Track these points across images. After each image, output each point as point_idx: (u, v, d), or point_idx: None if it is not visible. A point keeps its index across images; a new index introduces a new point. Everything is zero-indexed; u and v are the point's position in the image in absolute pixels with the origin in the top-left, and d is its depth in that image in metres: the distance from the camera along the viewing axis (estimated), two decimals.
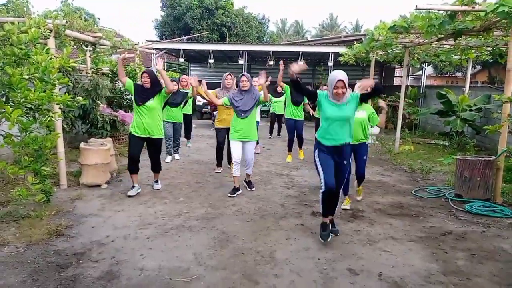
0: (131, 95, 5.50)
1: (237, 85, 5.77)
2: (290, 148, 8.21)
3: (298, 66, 3.89)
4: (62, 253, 3.64)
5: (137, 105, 5.33)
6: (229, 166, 7.02)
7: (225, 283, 3.19)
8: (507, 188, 5.86)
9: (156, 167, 5.77)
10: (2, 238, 3.90)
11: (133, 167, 5.48)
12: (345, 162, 4.00)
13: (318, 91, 4.05)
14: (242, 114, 5.50)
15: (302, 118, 8.05)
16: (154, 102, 5.37)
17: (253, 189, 5.89)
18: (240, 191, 5.69)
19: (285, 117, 8.17)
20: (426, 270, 3.49)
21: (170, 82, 5.45)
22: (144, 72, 5.43)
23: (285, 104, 10.55)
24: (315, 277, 3.32)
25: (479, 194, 5.46)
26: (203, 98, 7.37)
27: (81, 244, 3.85)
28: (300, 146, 8.42)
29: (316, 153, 4.02)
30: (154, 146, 5.56)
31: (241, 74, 5.73)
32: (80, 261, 3.50)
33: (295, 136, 8.08)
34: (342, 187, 4.20)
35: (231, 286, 3.15)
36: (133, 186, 5.55)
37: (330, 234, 4.05)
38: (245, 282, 3.21)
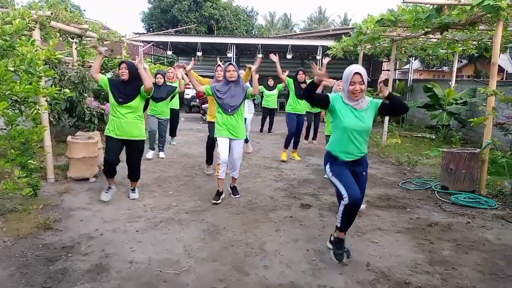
0: (108, 92, 4.80)
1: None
2: (287, 145, 7.62)
3: (324, 70, 3.38)
4: (51, 247, 3.62)
5: (117, 103, 4.69)
6: (206, 167, 6.58)
7: (215, 274, 3.22)
8: (491, 180, 5.98)
9: (134, 174, 5.02)
10: None
11: (110, 171, 4.93)
12: (364, 173, 3.47)
13: (331, 95, 3.41)
14: (230, 110, 4.90)
15: (304, 113, 7.56)
16: (136, 101, 4.77)
17: (237, 196, 5.25)
18: (224, 195, 5.14)
19: (287, 111, 7.51)
20: (412, 260, 3.56)
21: (149, 80, 4.70)
22: (122, 62, 4.83)
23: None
24: (304, 268, 3.36)
25: (465, 186, 5.57)
26: (191, 87, 6.74)
27: (69, 238, 3.83)
28: (296, 146, 7.82)
29: (328, 167, 3.43)
30: (134, 149, 4.89)
31: (228, 63, 5.10)
32: (69, 255, 3.48)
33: (295, 133, 7.47)
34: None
35: (221, 277, 3.17)
36: (109, 188, 5.03)
37: (345, 253, 3.43)
38: (235, 274, 3.23)
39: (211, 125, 6.01)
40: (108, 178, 5.01)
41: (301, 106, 7.33)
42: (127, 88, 4.72)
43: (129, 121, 4.75)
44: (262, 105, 11.41)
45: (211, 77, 5.97)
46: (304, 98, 3.38)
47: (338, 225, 3.40)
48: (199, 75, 6.31)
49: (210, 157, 6.50)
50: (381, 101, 3.32)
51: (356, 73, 3.15)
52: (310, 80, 4.30)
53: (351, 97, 3.23)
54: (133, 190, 5.14)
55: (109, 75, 9.40)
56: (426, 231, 4.25)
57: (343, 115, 3.25)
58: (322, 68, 3.19)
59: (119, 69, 4.78)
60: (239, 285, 3.09)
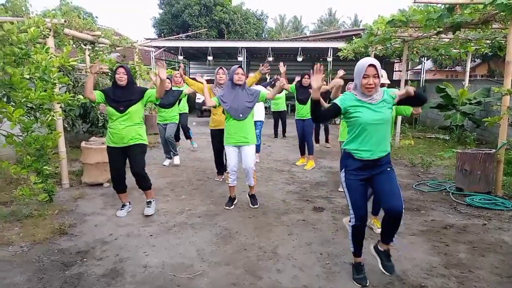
0: (106, 105, 4.49)
1: (229, 78, 4.89)
2: (302, 151, 7.52)
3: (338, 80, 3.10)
4: (66, 252, 3.66)
5: (119, 112, 4.38)
6: (218, 178, 6.35)
7: (229, 278, 3.22)
8: (507, 180, 5.88)
9: (142, 182, 4.65)
10: (6, 237, 3.92)
11: (119, 187, 4.65)
12: (388, 169, 3.04)
13: (339, 98, 3.07)
14: (241, 115, 4.69)
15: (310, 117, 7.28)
16: (137, 106, 4.46)
17: (256, 206, 5.02)
18: (236, 201, 5.14)
19: (295, 118, 7.37)
20: (427, 263, 3.51)
21: (163, 90, 4.43)
22: (120, 66, 4.49)
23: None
24: (318, 272, 3.35)
25: (480, 187, 5.48)
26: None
27: (84, 243, 3.88)
28: (310, 152, 7.39)
29: (343, 175, 3.11)
30: (134, 153, 4.49)
31: (237, 66, 4.86)
32: (84, 259, 3.52)
33: (304, 139, 7.34)
34: (395, 206, 2.91)
35: (234, 281, 3.17)
36: (123, 205, 4.81)
37: (366, 277, 3.19)
38: (248, 278, 3.23)
39: (214, 133, 5.87)
40: (120, 195, 4.74)
41: (305, 110, 7.15)
42: (125, 94, 4.41)
43: (127, 128, 4.41)
44: (272, 110, 11.15)
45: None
46: (315, 120, 3.13)
47: (351, 249, 3.22)
48: (209, 79, 6.18)
49: (220, 167, 6.28)
50: (394, 96, 3.01)
51: (371, 65, 2.84)
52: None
53: (364, 92, 2.93)
54: (149, 203, 4.78)
55: None
56: (441, 234, 4.19)
57: (358, 113, 2.94)
58: (317, 75, 2.83)
59: (116, 73, 4.43)
60: None
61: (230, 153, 4.88)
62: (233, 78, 4.75)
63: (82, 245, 3.82)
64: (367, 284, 3.14)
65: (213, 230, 4.25)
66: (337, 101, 3.02)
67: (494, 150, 5.55)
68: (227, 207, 4.98)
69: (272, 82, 8.39)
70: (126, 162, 4.58)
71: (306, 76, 7.17)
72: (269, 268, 3.40)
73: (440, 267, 3.43)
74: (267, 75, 10.64)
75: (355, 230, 3.12)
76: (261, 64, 5.26)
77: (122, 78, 4.39)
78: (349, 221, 3.14)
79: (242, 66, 15.47)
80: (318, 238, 4.07)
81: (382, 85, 3.58)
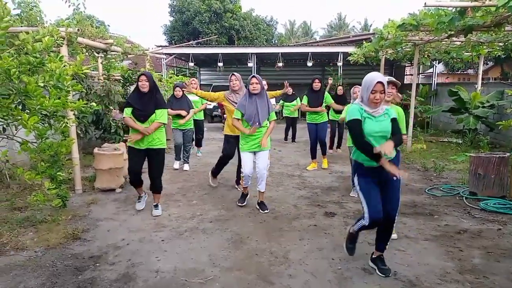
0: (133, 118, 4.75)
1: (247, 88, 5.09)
2: (313, 155, 7.61)
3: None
4: (79, 257, 3.70)
5: (140, 122, 4.67)
6: (236, 187, 6.16)
7: (240, 284, 3.22)
8: None
9: (156, 186, 4.96)
10: (20, 242, 3.98)
11: (136, 182, 5.00)
12: (394, 178, 3.21)
13: (351, 113, 3.26)
14: (258, 123, 4.83)
15: (325, 120, 7.42)
16: (156, 115, 4.72)
17: (266, 211, 5.03)
18: (248, 196, 5.37)
19: (307, 122, 7.55)
20: (441, 268, 3.47)
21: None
22: (142, 74, 4.73)
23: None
24: (330, 277, 3.33)
25: (494, 192, 5.40)
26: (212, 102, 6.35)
27: (97, 248, 3.92)
28: (324, 153, 7.75)
29: (356, 179, 3.36)
30: (155, 158, 4.83)
31: (251, 75, 5.01)
32: (97, 264, 3.56)
33: (317, 141, 7.46)
34: (398, 211, 3.36)
35: (246, 287, 3.17)
36: (139, 197, 5.20)
37: (355, 248, 3.55)
38: (260, 283, 3.23)
39: (228, 138, 5.75)
40: (136, 188, 5.11)
41: (317, 115, 7.33)
42: (147, 103, 4.68)
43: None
44: (284, 115, 11.37)
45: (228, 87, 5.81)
46: (365, 153, 3.20)
47: (354, 232, 3.45)
48: (219, 85, 6.34)
49: (218, 170, 6.16)
50: (395, 116, 3.31)
51: (379, 82, 3.11)
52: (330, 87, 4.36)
53: (370, 105, 3.20)
54: (156, 206, 5.01)
55: (133, 87, 9.62)
56: (455, 239, 4.14)
57: (364, 124, 3.21)
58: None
59: (139, 81, 4.69)
60: None
61: (246, 158, 5.02)
62: (249, 88, 4.92)
63: (95, 250, 3.86)
64: (353, 254, 3.55)
65: (224, 235, 4.26)
66: (354, 116, 3.23)
67: (508, 154, 5.47)
68: (239, 204, 5.24)
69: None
70: (144, 162, 4.90)
71: (316, 81, 7.27)
72: (280, 274, 3.39)
73: (454, 273, 3.39)
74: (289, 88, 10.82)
75: (363, 229, 3.31)
76: (285, 82, 5.39)
77: (144, 85, 4.65)
78: (362, 219, 3.29)
79: (253, 72, 15.53)
80: (330, 243, 4.04)
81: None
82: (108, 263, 3.58)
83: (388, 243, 3.45)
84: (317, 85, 7.25)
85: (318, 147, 7.53)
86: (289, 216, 4.86)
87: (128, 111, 4.73)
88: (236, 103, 5.20)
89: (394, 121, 3.27)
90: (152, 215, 4.90)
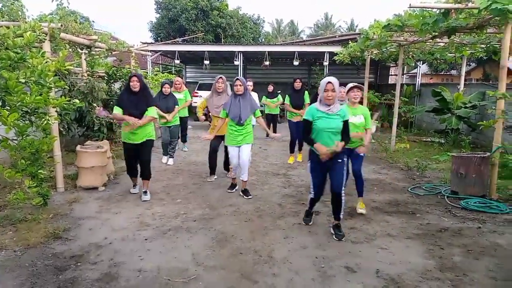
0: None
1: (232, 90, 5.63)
2: (292, 150, 8.13)
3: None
4: (60, 256, 3.65)
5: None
6: (226, 172, 6.78)
7: (224, 283, 3.21)
8: (502, 184, 5.89)
9: (146, 172, 5.44)
10: None
11: (132, 172, 5.63)
12: (339, 160, 4.09)
13: (306, 114, 4.12)
14: (241, 121, 5.40)
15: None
16: (148, 112, 5.29)
17: (250, 197, 5.55)
18: (237, 187, 5.82)
19: (288, 119, 8.08)
20: (423, 266, 3.52)
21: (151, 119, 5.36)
22: (134, 75, 5.26)
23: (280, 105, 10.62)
24: (313, 276, 3.35)
25: (475, 191, 5.50)
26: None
27: (79, 247, 3.86)
28: (300, 149, 8.23)
29: (308, 164, 4.26)
30: (143, 149, 5.38)
31: (235, 78, 5.56)
32: (78, 264, 3.50)
33: (297, 137, 7.91)
34: (345, 188, 4.29)
35: (230, 285, 3.17)
36: (134, 185, 5.75)
37: (312, 219, 4.58)
38: (244, 282, 3.23)
39: (213, 138, 6.09)
40: (132, 178, 5.70)
41: (298, 114, 7.72)
42: (138, 102, 5.20)
43: (140, 129, 5.24)
44: (265, 112, 11.44)
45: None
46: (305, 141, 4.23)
47: (308, 207, 4.55)
48: (205, 83, 6.70)
49: (213, 167, 6.61)
50: (347, 118, 4.07)
51: (329, 82, 3.91)
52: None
53: (326, 103, 3.97)
54: (145, 192, 5.46)
55: (118, 85, 9.51)
56: (436, 237, 4.21)
57: (317, 121, 4.00)
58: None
59: (130, 81, 5.20)
60: None
61: (232, 152, 5.61)
62: (233, 89, 5.50)
63: (76, 249, 3.80)
64: (310, 224, 4.50)
65: (208, 234, 4.25)
66: (306, 117, 4.11)
67: (489, 154, 5.58)
68: (229, 190, 5.82)
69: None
70: (136, 155, 5.43)
71: (297, 81, 7.89)
72: (265, 272, 3.39)
73: (435, 271, 3.44)
74: (270, 86, 11.02)
75: (312, 201, 4.42)
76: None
77: (135, 85, 5.18)
78: (310, 194, 4.39)
79: (239, 71, 15.48)
80: (314, 241, 4.07)
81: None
82: (89, 263, 3.53)
83: (342, 213, 4.22)
84: (298, 84, 7.83)
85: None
86: (274, 215, 4.87)
87: (117, 110, 5.19)
88: (216, 106, 6.02)
89: (346, 122, 4.05)
90: (141, 200, 5.36)
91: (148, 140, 5.38)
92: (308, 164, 4.26)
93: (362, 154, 4.89)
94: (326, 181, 4.24)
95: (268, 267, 3.50)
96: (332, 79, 3.94)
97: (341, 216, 4.23)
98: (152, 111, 5.35)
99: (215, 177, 6.63)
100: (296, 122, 7.64)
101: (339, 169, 4.12)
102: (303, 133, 4.17)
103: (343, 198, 4.15)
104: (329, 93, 3.92)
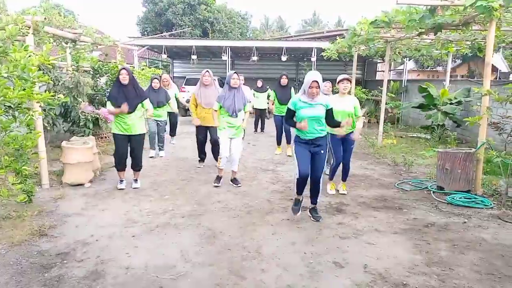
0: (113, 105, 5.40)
1: (226, 82, 5.81)
2: (279, 142, 8.53)
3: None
4: (46, 254, 3.59)
5: (127, 113, 5.32)
6: (216, 161, 6.83)
7: (212, 279, 3.20)
8: (487, 179, 6.00)
9: (136, 164, 5.70)
10: None
11: (121, 166, 5.63)
12: (322, 151, 4.43)
13: (290, 104, 4.44)
14: (233, 113, 5.63)
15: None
16: (143, 105, 5.53)
17: (239, 185, 5.88)
18: (223, 180, 5.95)
19: (274, 114, 8.33)
20: (410, 261, 3.56)
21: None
22: (123, 68, 5.45)
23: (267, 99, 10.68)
24: (302, 271, 3.35)
25: (460, 186, 5.58)
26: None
27: (65, 244, 3.80)
28: (289, 141, 8.20)
29: (294, 146, 4.57)
30: (135, 142, 5.56)
31: (233, 71, 5.92)
32: (65, 261, 3.45)
33: (283, 131, 8.25)
34: (321, 175, 4.59)
35: (218, 282, 3.16)
36: (121, 180, 5.72)
37: (300, 209, 4.62)
38: (232, 278, 3.22)
39: (199, 129, 6.74)
40: (119, 172, 5.69)
41: (284, 108, 7.68)
42: (129, 94, 5.35)
43: (132, 120, 5.42)
44: (254, 107, 11.48)
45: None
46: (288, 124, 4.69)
47: (294, 191, 4.60)
48: (192, 78, 6.94)
49: (202, 154, 7.13)
50: (330, 106, 4.39)
51: (314, 80, 4.19)
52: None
53: (309, 97, 4.29)
54: (136, 180, 5.77)
55: (103, 79, 9.38)
56: (422, 232, 4.26)
57: (301, 110, 4.32)
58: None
59: (119, 74, 5.36)
60: None
61: (224, 142, 5.74)
62: (229, 82, 5.69)
63: (62, 247, 3.74)
64: (298, 214, 4.58)
65: (196, 230, 4.22)
66: (289, 106, 4.44)
67: (474, 150, 5.66)
68: (215, 184, 5.86)
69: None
70: (128, 147, 5.56)
71: (284, 77, 8.14)
72: (253, 268, 3.39)
73: (422, 265, 3.48)
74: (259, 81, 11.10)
75: (298, 182, 4.47)
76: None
77: (125, 78, 5.33)
78: (296, 176, 4.47)
79: (227, 65, 15.43)
80: (302, 237, 4.08)
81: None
82: (76, 260, 3.48)
83: (319, 198, 4.64)
84: (284, 81, 8.06)
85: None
86: (262, 211, 4.87)
87: (110, 105, 5.38)
88: (205, 98, 6.38)
89: (329, 110, 4.39)
90: (131, 187, 5.68)
91: (139, 134, 5.55)
92: (293, 146, 4.54)
93: (352, 146, 5.43)
94: (309, 162, 4.45)
95: (256, 263, 3.49)
96: (317, 77, 4.22)
97: (318, 201, 4.66)
98: (148, 103, 5.60)
99: (203, 164, 7.14)
100: (282, 117, 7.76)
101: (320, 158, 4.45)
102: (286, 118, 4.54)
103: (320, 184, 4.56)
104: (314, 89, 4.22)
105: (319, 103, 4.33)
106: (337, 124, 4.54)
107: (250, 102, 6.00)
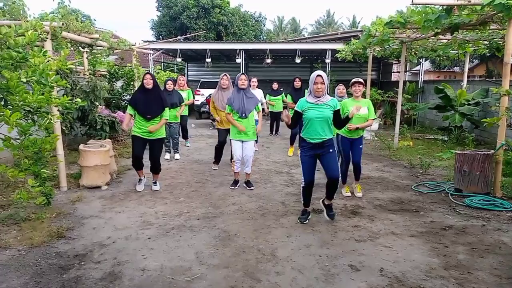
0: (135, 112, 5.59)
1: (235, 84, 5.96)
2: (292, 143, 8.62)
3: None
4: (64, 255, 3.65)
5: (145, 120, 5.50)
6: (230, 163, 7.10)
7: (227, 281, 3.20)
8: (506, 181, 5.87)
9: (156, 167, 5.78)
10: (3, 241, 3.90)
11: (138, 165, 5.73)
12: (330, 150, 4.37)
13: (297, 105, 4.40)
14: (243, 114, 5.69)
15: None
16: (164, 114, 5.66)
17: (252, 188, 5.89)
18: (239, 183, 6.01)
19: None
20: (427, 264, 3.50)
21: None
22: (147, 73, 5.65)
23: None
24: (317, 274, 3.33)
25: (479, 188, 5.48)
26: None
27: (82, 246, 3.86)
28: (292, 143, 8.66)
29: (300, 152, 4.50)
30: (155, 146, 5.69)
31: (240, 73, 5.97)
32: (82, 263, 3.50)
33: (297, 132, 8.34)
34: (339, 174, 4.48)
35: (233, 284, 3.16)
36: (140, 180, 5.87)
37: (307, 218, 4.57)
38: (247, 280, 3.22)
39: (220, 131, 6.97)
40: (138, 171, 5.81)
41: None
42: (151, 103, 5.50)
43: (151, 126, 5.54)
44: (269, 109, 11.47)
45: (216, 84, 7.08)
46: (292, 127, 4.63)
47: (302, 201, 4.61)
48: (207, 81, 7.15)
49: (218, 158, 7.24)
50: (338, 107, 4.32)
51: (318, 75, 4.19)
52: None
53: (315, 94, 4.24)
54: (155, 183, 5.86)
55: (119, 83, 9.52)
56: (440, 235, 4.19)
57: (308, 111, 4.28)
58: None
59: (144, 79, 5.57)
60: None
61: (236, 145, 5.84)
62: (238, 83, 5.80)
63: (80, 248, 3.80)
64: (306, 222, 4.49)
65: (211, 232, 4.24)
66: (297, 108, 4.38)
67: (492, 151, 5.55)
68: (232, 187, 5.93)
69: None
70: (146, 148, 5.68)
71: (297, 79, 8.45)
72: (268, 271, 3.39)
73: (439, 269, 3.43)
74: (274, 83, 11.13)
75: (304, 190, 4.49)
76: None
77: (149, 82, 5.54)
78: (301, 183, 4.48)
79: (241, 68, 15.51)
80: (317, 240, 4.05)
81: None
82: (93, 262, 3.53)
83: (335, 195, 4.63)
84: (297, 83, 8.35)
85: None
86: (277, 213, 4.86)
87: (130, 110, 5.58)
88: (222, 101, 6.54)
89: (336, 111, 4.31)
90: (151, 189, 5.77)
91: (159, 138, 5.71)
92: (300, 152, 4.49)
93: (360, 146, 5.45)
94: (316, 169, 4.47)
95: (271, 265, 3.49)
96: (321, 72, 4.23)
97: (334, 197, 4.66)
98: (167, 113, 5.73)
99: (218, 166, 7.25)
100: None
101: (332, 157, 4.37)
102: (292, 119, 4.46)
103: (338, 184, 4.50)
104: (318, 85, 4.19)
105: (326, 104, 4.28)
106: (345, 122, 4.51)
107: (262, 103, 6.14)
